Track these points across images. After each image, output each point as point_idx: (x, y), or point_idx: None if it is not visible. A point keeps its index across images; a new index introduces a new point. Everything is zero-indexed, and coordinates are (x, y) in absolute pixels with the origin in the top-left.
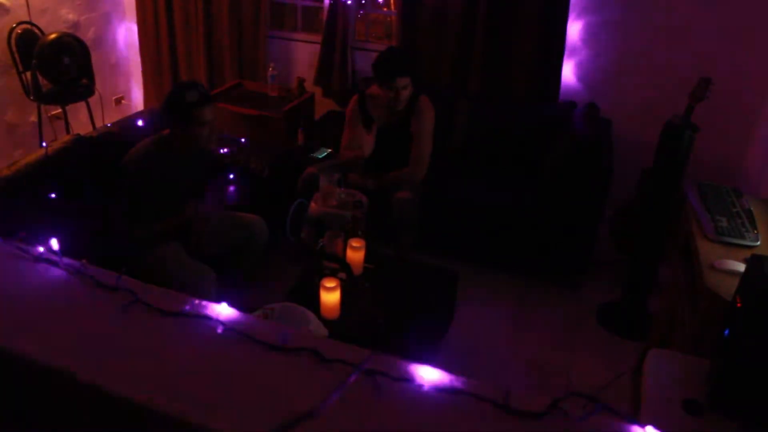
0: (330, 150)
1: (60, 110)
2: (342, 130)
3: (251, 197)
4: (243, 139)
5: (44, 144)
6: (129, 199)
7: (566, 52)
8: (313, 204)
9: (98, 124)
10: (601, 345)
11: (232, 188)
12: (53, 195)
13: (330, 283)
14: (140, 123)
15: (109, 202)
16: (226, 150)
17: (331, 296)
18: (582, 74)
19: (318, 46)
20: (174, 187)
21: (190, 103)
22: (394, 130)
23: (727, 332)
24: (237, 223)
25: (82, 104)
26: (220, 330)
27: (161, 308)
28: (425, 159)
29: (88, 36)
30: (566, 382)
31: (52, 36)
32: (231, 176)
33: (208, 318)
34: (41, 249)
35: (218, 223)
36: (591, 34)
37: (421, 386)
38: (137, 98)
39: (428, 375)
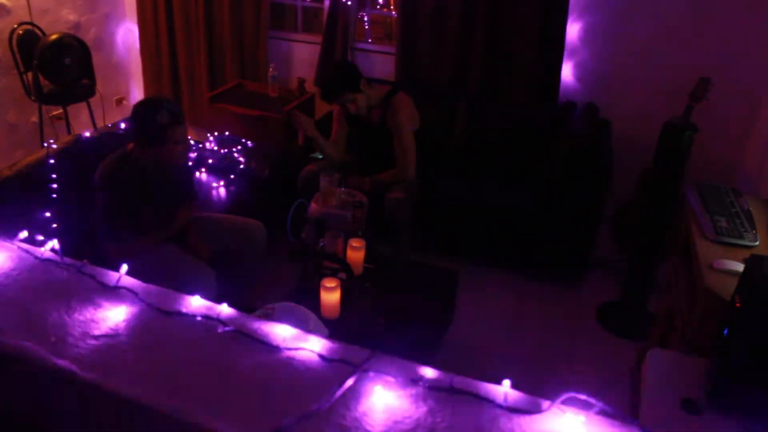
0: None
1: (61, 111)
2: None
3: (251, 198)
4: (249, 142)
5: (45, 144)
6: (103, 214)
7: (566, 53)
8: (313, 204)
9: (99, 124)
10: (601, 345)
11: (232, 188)
12: (54, 195)
13: (330, 283)
14: None
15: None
16: (225, 150)
17: (331, 296)
18: (581, 74)
19: (318, 47)
20: (147, 200)
21: (162, 125)
22: (375, 130)
23: (726, 332)
24: (236, 228)
25: (83, 105)
26: (220, 330)
27: (161, 308)
28: (409, 156)
29: (88, 37)
30: (566, 383)
31: (53, 37)
32: (231, 176)
33: (208, 318)
34: (42, 249)
35: (216, 227)
36: (590, 35)
37: (421, 386)
38: (138, 99)
39: (428, 375)
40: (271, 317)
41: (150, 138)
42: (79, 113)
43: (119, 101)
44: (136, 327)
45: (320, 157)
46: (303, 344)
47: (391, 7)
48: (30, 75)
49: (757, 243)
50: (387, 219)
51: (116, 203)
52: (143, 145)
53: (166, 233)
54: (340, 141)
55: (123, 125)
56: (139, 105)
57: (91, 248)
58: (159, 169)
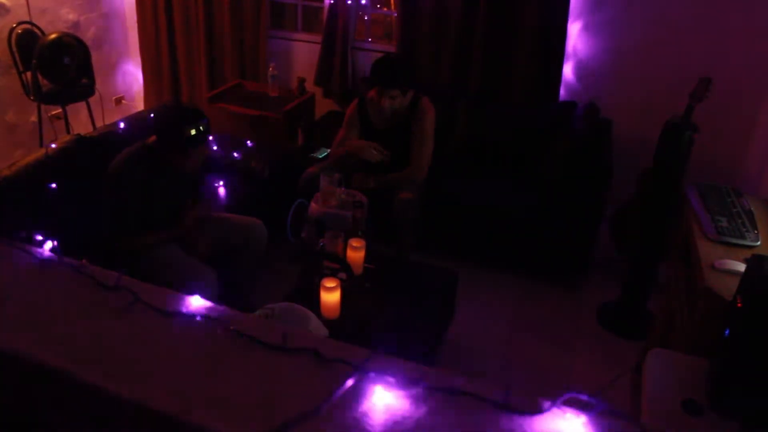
0: (330, 150)
1: (60, 110)
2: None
3: (251, 198)
4: (249, 142)
5: (44, 144)
6: (115, 207)
7: (566, 52)
8: (313, 204)
9: (98, 123)
10: (601, 345)
11: (232, 188)
12: (53, 195)
13: (330, 283)
14: (140, 123)
15: (99, 206)
16: (224, 150)
17: (331, 296)
18: (582, 74)
19: (318, 46)
20: (161, 195)
21: (186, 138)
22: (395, 132)
23: (727, 332)
24: (236, 226)
25: (82, 104)
26: (220, 330)
27: (161, 308)
28: (426, 160)
29: (88, 36)
30: (566, 383)
31: (53, 36)
32: (230, 176)
33: (208, 318)
34: (41, 249)
35: (217, 226)
36: (591, 34)
37: (421, 386)
38: (137, 98)
39: (428, 375)
40: (271, 317)
41: (167, 140)
42: (79, 113)
43: (118, 101)
44: (136, 327)
45: (320, 156)
46: (303, 344)
47: (391, 7)
48: (29, 74)
49: (759, 243)
50: (395, 219)
51: (129, 197)
52: (160, 144)
53: (176, 231)
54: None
55: (122, 124)
56: (176, 107)
57: (90, 248)
58: (172, 167)
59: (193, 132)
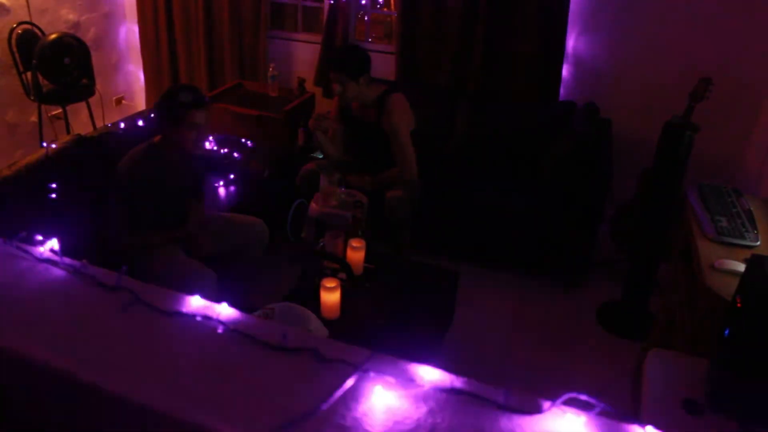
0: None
1: (60, 110)
2: None
3: (251, 198)
4: (249, 143)
5: (44, 144)
6: (122, 206)
7: (566, 52)
8: (313, 204)
9: (99, 124)
10: (601, 345)
11: (232, 188)
12: (53, 195)
13: (330, 283)
14: (141, 123)
15: (105, 206)
16: (225, 150)
17: (331, 296)
18: (582, 74)
19: (318, 46)
20: (167, 194)
21: (182, 104)
22: (369, 129)
23: (727, 332)
24: (237, 225)
25: (82, 104)
26: (220, 330)
27: (161, 308)
28: (408, 157)
29: (88, 36)
30: (566, 383)
31: (53, 36)
32: (231, 176)
33: (208, 318)
34: (41, 249)
35: (218, 225)
36: (591, 34)
37: (421, 386)
38: (138, 98)
39: (428, 375)
40: (271, 317)
41: (167, 116)
42: (79, 113)
43: (118, 101)
44: (136, 327)
45: (320, 156)
46: (303, 344)
47: (391, 7)
48: (29, 75)
49: (759, 243)
50: (387, 218)
51: (140, 194)
52: (163, 129)
53: (181, 232)
54: (336, 140)
55: (122, 125)
56: (171, 85)
57: (90, 248)
58: (180, 162)
59: (187, 95)
